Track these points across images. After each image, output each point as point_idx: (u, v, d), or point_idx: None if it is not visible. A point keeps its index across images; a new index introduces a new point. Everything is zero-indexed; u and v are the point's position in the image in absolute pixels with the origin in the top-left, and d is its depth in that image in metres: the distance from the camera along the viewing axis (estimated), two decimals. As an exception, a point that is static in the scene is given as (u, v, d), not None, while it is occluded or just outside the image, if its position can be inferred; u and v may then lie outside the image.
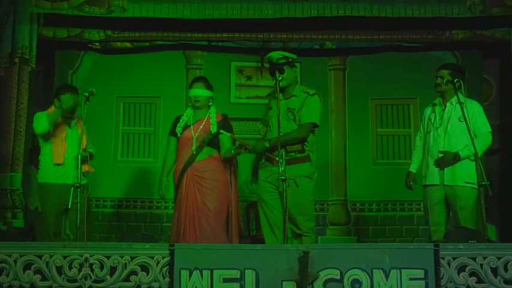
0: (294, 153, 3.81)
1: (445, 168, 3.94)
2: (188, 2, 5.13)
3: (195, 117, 4.11)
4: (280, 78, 3.76)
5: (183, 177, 3.98)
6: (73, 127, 4.24)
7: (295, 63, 4.04)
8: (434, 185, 4.00)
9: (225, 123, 4.11)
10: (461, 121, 3.88)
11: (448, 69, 4.04)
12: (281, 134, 3.70)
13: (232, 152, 3.95)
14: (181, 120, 4.12)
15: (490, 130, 3.96)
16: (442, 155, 3.93)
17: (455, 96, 3.90)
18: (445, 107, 4.04)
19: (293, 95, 3.94)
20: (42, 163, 4.24)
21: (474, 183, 3.73)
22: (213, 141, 4.04)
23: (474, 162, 3.75)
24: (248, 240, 5.47)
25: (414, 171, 4.16)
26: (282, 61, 3.88)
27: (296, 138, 3.81)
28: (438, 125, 4.02)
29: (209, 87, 4.14)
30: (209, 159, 4.03)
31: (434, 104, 4.15)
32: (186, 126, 4.10)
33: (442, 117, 4.03)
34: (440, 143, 3.99)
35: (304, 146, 3.86)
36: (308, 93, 3.92)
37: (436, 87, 4.07)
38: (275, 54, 3.94)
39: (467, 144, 3.85)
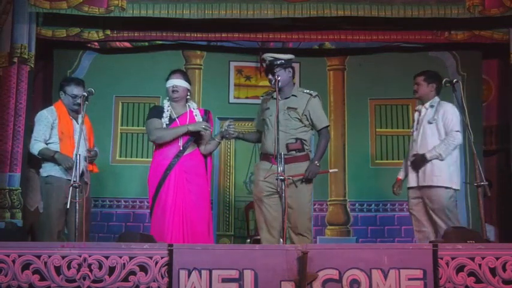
0: (294, 152, 3.85)
1: (419, 170, 4.14)
2: (187, 1, 5.13)
3: (177, 111, 4.03)
4: (279, 78, 3.78)
5: (170, 173, 3.90)
6: (80, 123, 4.19)
7: (290, 65, 4.05)
8: (412, 187, 4.23)
9: (207, 120, 4.10)
10: (431, 123, 4.13)
11: (422, 76, 4.28)
12: (282, 131, 3.75)
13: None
14: (165, 111, 4.01)
15: (458, 129, 4.10)
16: (414, 158, 4.17)
17: (431, 100, 4.20)
18: (421, 111, 4.27)
19: (292, 95, 3.98)
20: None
21: (470, 183, 3.84)
22: (197, 137, 4.02)
23: (443, 162, 4.03)
24: (247, 240, 5.48)
25: (401, 178, 4.41)
26: (276, 63, 3.91)
27: (326, 145, 4.02)
28: (415, 129, 4.28)
29: (187, 79, 4.09)
30: (193, 154, 4.00)
31: (416, 110, 4.39)
32: (171, 120, 4.00)
33: (418, 122, 4.28)
34: (415, 146, 4.24)
35: (304, 145, 3.89)
36: (311, 94, 3.99)
37: (414, 93, 4.33)
38: (267, 56, 3.98)
39: (435, 146, 4.08)
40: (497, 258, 2.93)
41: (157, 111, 4.04)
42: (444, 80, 3.95)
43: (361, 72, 5.95)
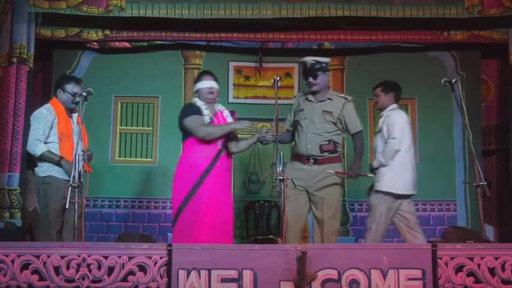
0: (327, 153, 3.97)
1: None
2: (186, 1, 5.14)
3: (211, 111, 4.00)
4: (278, 78, 3.78)
5: (209, 174, 3.85)
6: (75, 121, 4.10)
7: (328, 68, 4.13)
8: None
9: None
10: (377, 132, 4.37)
11: (380, 87, 4.45)
12: (316, 133, 3.93)
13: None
14: (203, 110, 3.94)
15: (394, 136, 4.21)
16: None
17: (384, 110, 4.37)
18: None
19: (328, 98, 4.07)
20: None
21: (469, 183, 3.88)
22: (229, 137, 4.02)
23: (385, 168, 4.22)
24: (246, 240, 5.48)
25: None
26: (317, 66, 3.98)
27: (363, 148, 4.17)
28: None
29: (217, 81, 4.11)
30: (225, 155, 3.99)
31: None
32: (211, 119, 3.96)
33: None
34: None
35: (336, 147, 4.02)
36: (346, 99, 4.10)
37: (375, 105, 4.60)
38: (308, 59, 4.02)
39: (378, 154, 4.29)
40: (496, 258, 2.93)
41: (195, 109, 3.95)
42: (443, 80, 3.94)
43: (361, 72, 5.95)
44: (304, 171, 3.94)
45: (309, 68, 3.99)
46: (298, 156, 4.01)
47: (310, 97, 4.06)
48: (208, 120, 3.93)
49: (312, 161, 3.93)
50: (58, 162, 3.90)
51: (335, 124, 4.01)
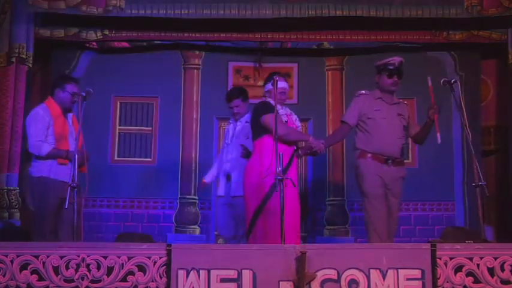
0: (403, 156, 4.06)
1: None
2: (186, 1, 5.14)
3: (284, 113, 4.02)
4: (277, 78, 3.77)
5: (287, 173, 3.81)
6: (70, 122, 4.10)
7: None
8: None
9: None
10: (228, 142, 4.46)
11: (240, 97, 4.47)
12: (398, 136, 3.94)
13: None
14: (280, 109, 3.93)
15: None
16: None
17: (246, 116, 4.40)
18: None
19: (400, 101, 4.10)
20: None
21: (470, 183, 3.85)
22: None
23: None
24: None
25: None
26: (402, 66, 4.01)
27: None
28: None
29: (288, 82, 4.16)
30: None
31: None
32: (285, 120, 3.96)
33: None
34: None
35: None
36: (406, 103, 4.17)
37: (235, 115, 4.51)
38: (398, 59, 4.03)
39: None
40: (495, 258, 2.93)
41: (272, 107, 3.86)
42: (442, 80, 3.95)
43: (360, 73, 5.94)
44: (385, 172, 3.90)
45: (397, 68, 3.98)
46: (375, 155, 3.94)
47: (383, 97, 4.02)
48: (285, 119, 3.95)
49: (391, 161, 3.92)
50: (66, 155, 3.90)
51: (405, 128, 4.05)
